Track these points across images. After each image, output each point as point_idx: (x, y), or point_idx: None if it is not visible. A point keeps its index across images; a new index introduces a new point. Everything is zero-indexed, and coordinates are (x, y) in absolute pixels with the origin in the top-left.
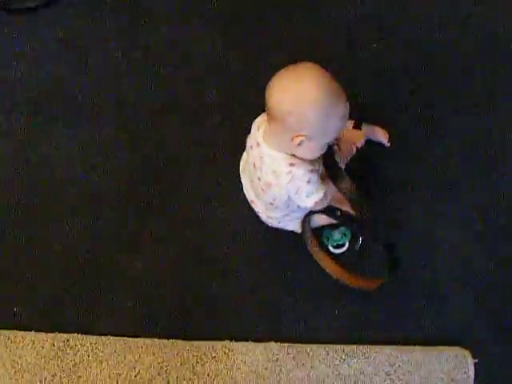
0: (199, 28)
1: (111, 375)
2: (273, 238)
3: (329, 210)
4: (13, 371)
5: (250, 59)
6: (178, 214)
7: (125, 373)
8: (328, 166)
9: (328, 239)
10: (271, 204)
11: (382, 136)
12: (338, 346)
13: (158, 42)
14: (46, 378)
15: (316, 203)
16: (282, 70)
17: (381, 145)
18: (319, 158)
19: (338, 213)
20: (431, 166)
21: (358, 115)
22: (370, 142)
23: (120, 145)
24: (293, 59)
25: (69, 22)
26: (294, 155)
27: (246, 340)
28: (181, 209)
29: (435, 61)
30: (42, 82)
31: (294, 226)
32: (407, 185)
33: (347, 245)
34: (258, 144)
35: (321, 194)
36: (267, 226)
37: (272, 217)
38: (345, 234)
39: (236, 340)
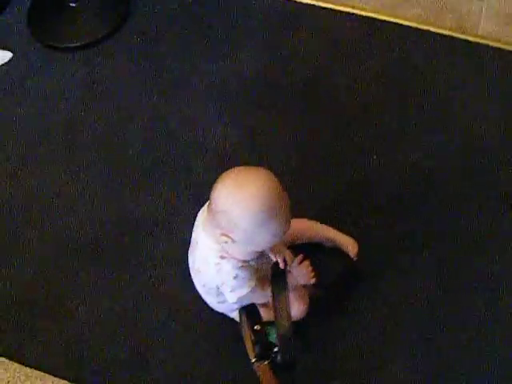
0: None
1: None
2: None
3: (250, 315)
4: None
5: None
6: None
7: None
8: (274, 272)
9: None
10: (203, 286)
11: (350, 247)
12: None
13: None
14: None
15: (240, 298)
16: (236, 168)
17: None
18: (263, 254)
19: (257, 327)
20: None
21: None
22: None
23: None
24: None
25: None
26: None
27: None
28: None
29: None
30: None
31: (235, 315)
32: None
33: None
34: (197, 227)
35: (245, 291)
36: None
37: (208, 301)
38: None
39: None
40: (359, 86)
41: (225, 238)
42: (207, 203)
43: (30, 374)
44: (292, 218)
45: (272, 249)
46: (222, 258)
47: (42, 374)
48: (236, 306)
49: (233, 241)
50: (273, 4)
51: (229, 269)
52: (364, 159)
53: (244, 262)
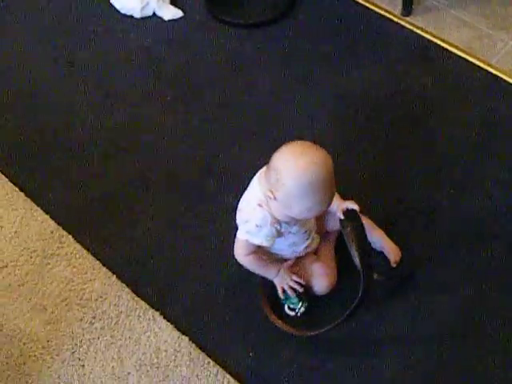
0: None
1: None
2: None
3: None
4: None
5: None
6: None
7: None
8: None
9: (286, 298)
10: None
11: (392, 254)
12: None
13: None
14: None
15: (245, 241)
16: (304, 142)
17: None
18: (296, 226)
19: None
20: None
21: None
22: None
23: None
24: None
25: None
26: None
27: None
28: None
29: None
30: None
31: None
32: None
33: (300, 310)
34: (256, 176)
35: (255, 240)
36: None
37: None
38: (302, 300)
39: None
40: (460, 133)
41: (269, 193)
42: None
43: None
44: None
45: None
46: (260, 205)
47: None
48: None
49: (275, 198)
50: (415, 40)
51: (259, 216)
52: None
53: (275, 220)
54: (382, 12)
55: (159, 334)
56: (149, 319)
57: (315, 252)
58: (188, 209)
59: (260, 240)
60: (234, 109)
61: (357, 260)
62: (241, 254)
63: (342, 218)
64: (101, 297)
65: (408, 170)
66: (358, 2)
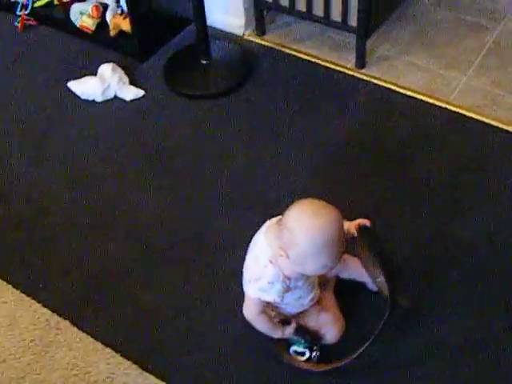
0: None
1: None
2: None
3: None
4: None
5: None
6: None
7: None
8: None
9: (293, 343)
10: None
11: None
12: None
13: None
14: None
15: (257, 299)
16: (315, 199)
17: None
18: (303, 280)
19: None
20: None
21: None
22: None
23: None
24: None
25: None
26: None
27: None
28: None
29: None
30: None
31: None
32: None
33: (307, 354)
34: (260, 232)
35: (267, 297)
36: None
37: None
38: (312, 346)
39: None
40: (437, 171)
41: (282, 252)
42: (275, 218)
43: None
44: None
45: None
46: (271, 262)
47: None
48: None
49: (287, 257)
50: (374, 90)
51: (271, 273)
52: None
53: (286, 277)
54: (337, 68)
55: None
56: None
57: (318, 301)
58: (185, 279)
59: (272, 296)
60: (209, 177)
61: (378, 280)
62: (253, 313)
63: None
64: (108, 377)
65: (393, 207)
66: (311, 62)
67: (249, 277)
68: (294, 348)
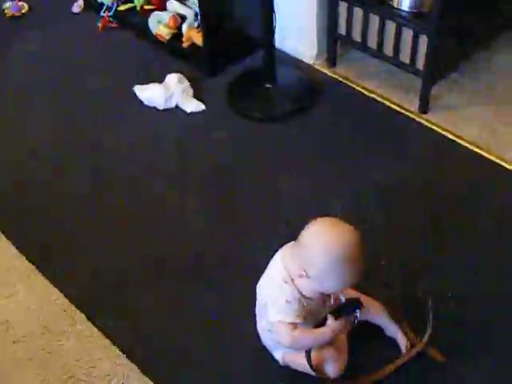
0: None
1: None
2: None
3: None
4: None
5: None
6: None
7: None
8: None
9: None
10: (259, 305)
11: (402, 341)
12: None
13: None
14: None
15: (279, 323)
16: (331, 218)
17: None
18: (317, 303)
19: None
20: None
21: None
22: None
23: None
24: None
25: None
26: (292, 279)
27: None
28: None
29: None
30: None
31: (277, 353)
32: None
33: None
34: (276, 256)
35: (287, 319)
36: None
37: (259, 326)
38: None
39: None
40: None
41: (301, 272)
42: (291, 242)
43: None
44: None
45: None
46: (285, 282)
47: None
48: (278, 346)
49: (307, 275)
50: (433, 136)
51: (288, 292)
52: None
53: (304, 297)
54: (401, 109)
55: None
56: None
57: None
58: (201, 293)
59: (292, 317)
60: (253, 200)
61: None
62: (285, 336)
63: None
64: (108, 375)
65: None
66: (376, 100)
67: (264, 299)
68: None
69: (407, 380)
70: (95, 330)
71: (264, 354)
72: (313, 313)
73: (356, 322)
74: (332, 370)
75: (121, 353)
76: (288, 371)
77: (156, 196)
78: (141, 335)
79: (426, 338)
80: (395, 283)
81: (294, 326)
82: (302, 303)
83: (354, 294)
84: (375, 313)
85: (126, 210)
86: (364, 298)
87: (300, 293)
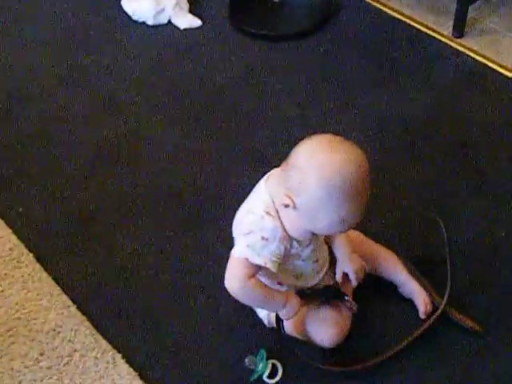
0: None
1: None
2: None
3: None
4: None
5: None
6: None
7: None
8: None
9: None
10: None
11: (421, 301)
12: None
13: None
14: None
15: (244, 261)
16: (332, 135)
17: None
18: (309, 248)
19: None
20: None
21: None
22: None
23: None
24: None
25: None
26: (277, 211)
27: None
28: None
29: None
30: None
31: (262, 311)
32: None
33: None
34: (258, 185)
35: (256, 259)
36: None
37: None
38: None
39: None
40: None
41: (287, 200)
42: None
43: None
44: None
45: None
46: (268, 213)
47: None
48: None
49: (294, 206)
50: (468, 63)
51: (269, 226)
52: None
53: (287, 237)
54: (430, 32)
55: (118, 382)
56: (107, 362)
57: None
58: (176, 236)
59: (263, 259)
60: (247, 128)
61: None
62: (237, 278)
63: None
64: (53, 330)
65: (458, 201)
66: (402, 21)
67: (237, 231)
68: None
69: (427, 355)
70: (44, 274)
71: (244, 312)
72: (297, 269)
73: (355, 308)
74: (325, 337)
75: (71, 303)
76: (274, 334)
77: (140, 125)
78: (96, 284)
79: (446, 295)
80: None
81: (255, 270)
82: (284, 245)
83: (356, 237)
84: (388, 266)
85: (99, 140)
86: (373, 247)
87: (284, 230)
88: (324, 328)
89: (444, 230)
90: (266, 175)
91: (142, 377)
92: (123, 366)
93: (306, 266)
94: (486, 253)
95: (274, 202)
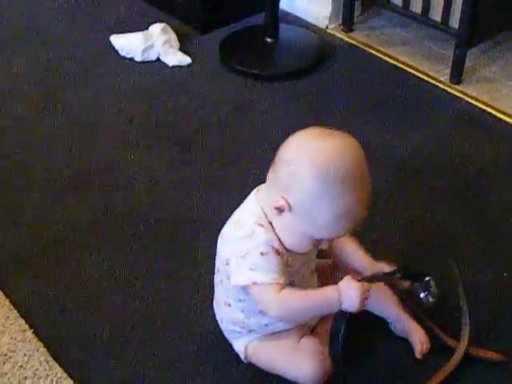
0: None
1: None
2: None
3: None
4: None
5: None
6: None
7: None
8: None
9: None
10: (217, 274)
11: (417, 340)
12: None
13: None
14: None
15: (254, 286)
16: (321, 127)
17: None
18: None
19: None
20: None
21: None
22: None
23: None
24: None
25: None
26: (271, 223)
27: None
28: None
29: None
30: None
31: (238, 343)
32: None
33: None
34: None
35: (265, 279)
36: None
37: (216, 301)
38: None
39: None
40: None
41: (281, 201)
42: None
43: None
44: None
45: None
46: (260, 225)
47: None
48: (254, 324)
49: (289, 207)
50: (465, 109)
51: (262, 239)
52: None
53: (280, 246)
54: (427, 78)
55: None
56: None
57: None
58: (146, 264)
59: (272, 275)
60: (230, 164)
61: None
62: (269, 297)
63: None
64: (5, 355)
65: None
66: (398, 67)
67: (228, 255)
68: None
69: None
70: (3, 297)
71: (220, 345)
72: (299, 275)
73: (432, 300)
74: (307, 370)
75: (27, 327)
76: (251, 371)
77: (124, 157)
78: (58, 310)
79: (467, 334)
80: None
81: (279, 286)
82: (282, 256)
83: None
84: (384, 300)
85: (73, 166)
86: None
87: (280, 242)
88: (307, 363)
89: (457, 268)
90: (256, 188)
91: None
92: None
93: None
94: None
95: (265, 213)
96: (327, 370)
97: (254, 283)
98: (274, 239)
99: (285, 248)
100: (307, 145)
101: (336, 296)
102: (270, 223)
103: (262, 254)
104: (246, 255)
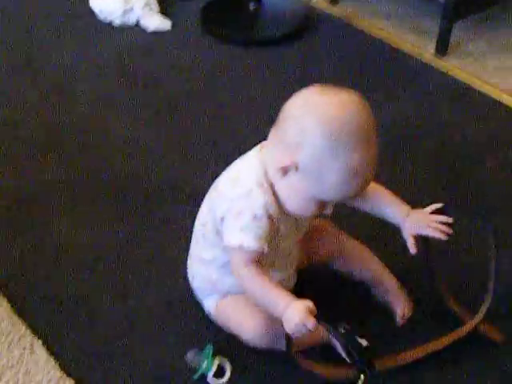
0: None
1: None
2: None
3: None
4: None
5: None
6: None
7: None
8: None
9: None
10: (202, 225)
11: (399, 307)
12: None
13: None
14: None
15: (240, 249)
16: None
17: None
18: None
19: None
20: None
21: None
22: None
23: None
24: None
25: None
26: (271, 185)
27: None
28: None
29: None
30: None
31: (208, 301)
32: None
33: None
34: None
35: (252, 244)
36: None
37: (192, 257)
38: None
39: None
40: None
41: (287, 160)
42: None
43: None
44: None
45: None
46: (260, 185)
47: None
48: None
49: (296, 167)
50: (449, 82)
51: (259, 201)
52: None
53: (279, 210)
54: (411, 51)
55: (33, 370)
56: (24, 348)
57: None
58: (117, 227)
59: (260, 242)
60: (210, 129)
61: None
62: (237, 265)
63: None
64: None
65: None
66: (382, 40)
67: (221, 210)
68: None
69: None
70: None
71: (192, 301)
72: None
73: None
74: (245, 331)
75: None
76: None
77: (100, 119)
78: (24, 267)
79: (484, 310)
80: None
81: (259, 256)
82: (272, 219)
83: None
84: (366, 263)
85: (48, 125)
86: (341, 238)
87: (277, 203)
88: (250, 318)
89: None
90: (260, 144)
91: (62, 367)
92: (41, 354)
93: (276, 254)
94: None
95: (267, 172)
96: (269, 331)
97: (240, 246)
98: (271, 203)
99: (283, 212)
100: (315, 100)
101: (282, 308)
102: (272, 184)
103: (255, 216)
104: (238, 215)
